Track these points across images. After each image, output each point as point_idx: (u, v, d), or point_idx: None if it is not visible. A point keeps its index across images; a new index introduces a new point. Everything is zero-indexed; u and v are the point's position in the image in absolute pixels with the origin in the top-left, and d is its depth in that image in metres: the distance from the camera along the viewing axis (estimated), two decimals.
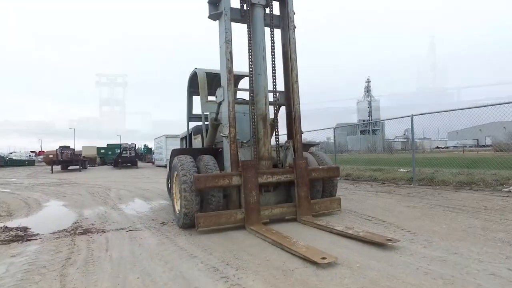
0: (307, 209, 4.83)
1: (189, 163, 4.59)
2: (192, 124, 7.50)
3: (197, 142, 6.72)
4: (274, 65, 5.18)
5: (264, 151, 4.86)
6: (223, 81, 4.81)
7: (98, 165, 38.84)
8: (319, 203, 5.08)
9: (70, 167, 27.97)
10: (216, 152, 5.28)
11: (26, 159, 46.14)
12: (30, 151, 56.95)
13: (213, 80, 7.06)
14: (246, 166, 4.43)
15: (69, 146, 29.34)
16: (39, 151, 59.93)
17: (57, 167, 26.84)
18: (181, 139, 8.46)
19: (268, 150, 4.88)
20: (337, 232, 3.95)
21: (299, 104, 5.22)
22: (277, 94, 5.23)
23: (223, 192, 4.58)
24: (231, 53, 4.77)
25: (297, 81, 5.21)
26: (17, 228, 4.95)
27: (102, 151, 40.88)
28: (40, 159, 47.42)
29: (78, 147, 42.23)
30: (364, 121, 69.70)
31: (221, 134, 4.78)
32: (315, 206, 5.01)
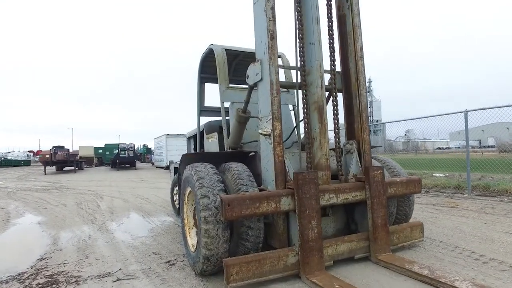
0: (386, 243, 3.23)
1: (211, 177, 2.98)
2: (204, 120, 5.91)
3: (211, 143, 5.11)
4: (332, 31, 3.58)
5: (320, 156, 3.25)
6: (261, 52, 3.21)
7: (96, 166, 37.25)
8: (397, 231, 3.48)
9: (66, 168, 26.38)
10: (245, 157, 3.68)
11: (23, 159, 44.50)
12: (28, 151, 55.31)
13: (233, 61, 5.47)
14: (302, 180, 2.81)
15: (63, 146, 27.67)
16: (37, 151, 58.22)
17: (52, 168, 25.25)
18: (189, 138, 6.84)
19: (326, 154, 3.27)
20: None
21: (366, 89, 3.62)
22: (334, 74, 3.62)
23: (263, 219, 3.00)
24: (273, 9, 3.16)
25: (362, 56, 3.61)
26: None
27: (100, 151, 39.26)
28: (37, 159, 45.75)
29: (76, 147, 40.65)
30: (377, 121, 68.08)
31: (260, 132, 3.17)
32: (393, 236, 3.41)
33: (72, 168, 24.95)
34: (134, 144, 28.43)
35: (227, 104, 4.47)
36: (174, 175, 6.19)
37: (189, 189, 3.28)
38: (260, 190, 3.01)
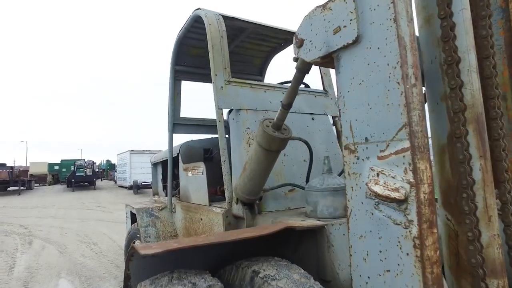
0: None
1: None
2: (179, 139, 3.80)
3: (192, 180, 3.02)
4: None
5: (491, 239, 1.28)
6: None
7: (49, 185, 33.15)
8: None
9: (11, 188, 22.54)
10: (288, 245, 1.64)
11: None
12: None
13: (231, 42, 3.41)
14: None
15: (4, 164, 23.92)
16: None
17: None
18: (155, 164, 4.63)
19: (497, 234, 1.30)
20: None
21: None
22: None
23: None
24: None
25: None
26: None
27: (56, 167, 35.17)
28: None
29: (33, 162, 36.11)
30: None
31: (372, 186, 1.14)
32: None
33: (17, 188, 21.32)
34: (93, 161, 25.25)
35: (226, 112, 2.47)
36: (131, 224, 3.95)
37: None
38: None
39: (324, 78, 2.89)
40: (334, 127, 2.82)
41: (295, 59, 1.49)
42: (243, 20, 2.74)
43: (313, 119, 2.60)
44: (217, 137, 3.70)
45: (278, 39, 3.43)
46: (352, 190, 1.18)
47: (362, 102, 1.13)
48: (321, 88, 2.91)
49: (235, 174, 2.21)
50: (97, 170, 37.20)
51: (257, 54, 3.77)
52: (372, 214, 1.09)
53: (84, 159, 28.16)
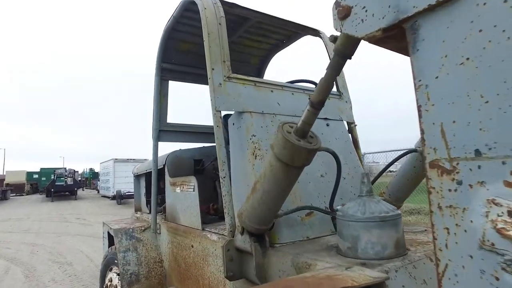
0: None
1: None
2: (165, 148, 3.30)
3: (180, 197, 2.54)
4: None
5: None
6: None
7: (28, 194, 31.70)
8: None
9: None
10: None
11: None
12: None
13: (232, 35, 2.93)
14: None
15: None
16: None
17: None
18: (137, 176, 4.09)
19: None
20: None
21: None
22: None
23: None
24: None
25: None
26: None
27: (35, 176, 33.70)
28: None
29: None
30: None
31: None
32: None
33: None
34: (75, 170, 24.20)
35: (228, 113, 2.02)
36: (109, 247, 3.38)
37: None
38: None
39: (338, 78, 2.48)
40: (350, 135, 2.40)
41: (333, 38, 1.06)
42: (245, 8, 2.31)
43: (328, 125, 2.18)
44: (209, 146, 3.27)
45: (281, 34, 3.02)
46: (448, 233, 0.74)
47: (469, 92, 0.70)
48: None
49: (236, 194, 1.75)
50: (79, 179, 35.89)
51: (256, 53, 3.35)
52: (497, 279, 0.65)
53: (65, 168, 27.06)
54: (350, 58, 1.07)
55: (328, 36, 1.07)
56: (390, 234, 1.17)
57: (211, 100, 1.79)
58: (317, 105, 1.15)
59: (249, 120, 1.81)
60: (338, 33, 1.07)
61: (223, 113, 1.88)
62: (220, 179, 1.72)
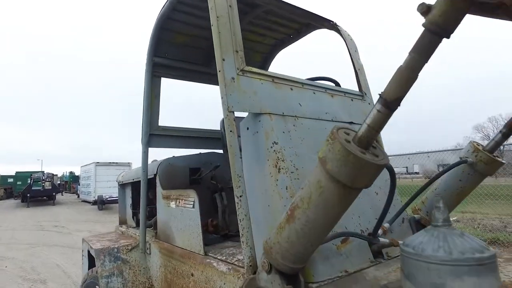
0: None
1: None
2: (155, 154, 2.89)
3: (176, 214, 2.16)
4: None
5: None
6: None
7: (1, 199, 30.05)
8: None
9: None
10: None
11: None
12: None
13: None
14: None
15: None
16: None
17: None
18: (123, 185, 3.65)
19: None
20: None
21: None
22: None
23: None
24: None
25: None
26: None
27: (10, 180, 32.04)
28: None
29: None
30: None
31: None
32: None
33: None
34: (53, 174, 23.11)
35: (241, 115, 1.66)
36: (89, 269, 2.91)
37: None
38: None
39: (359, 76, 2.17)
40: None
41: (426, 8, 0.73)
42: None
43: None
44: (207, 153, 2.89)
45: (289, 28, 2.69)
46: None
47: None
48: (352, 89, 2.18)
49: (253, 217, 1.40)
50: (58, 182, 34.41)
51: (259, 48, 3.02)
52: None
53: (43, 171, 25.87)
54: (449, 37, 0.74)
55: (417, 5, 0.74)
56: (491, 283, 0.85)
57: (221, 98, 1.43)
58: (392, 104, 0.82)
59: (269, 123, 1.46)
60: (430, 1, 0.75)
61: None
62: (236, 198, 1.36)
